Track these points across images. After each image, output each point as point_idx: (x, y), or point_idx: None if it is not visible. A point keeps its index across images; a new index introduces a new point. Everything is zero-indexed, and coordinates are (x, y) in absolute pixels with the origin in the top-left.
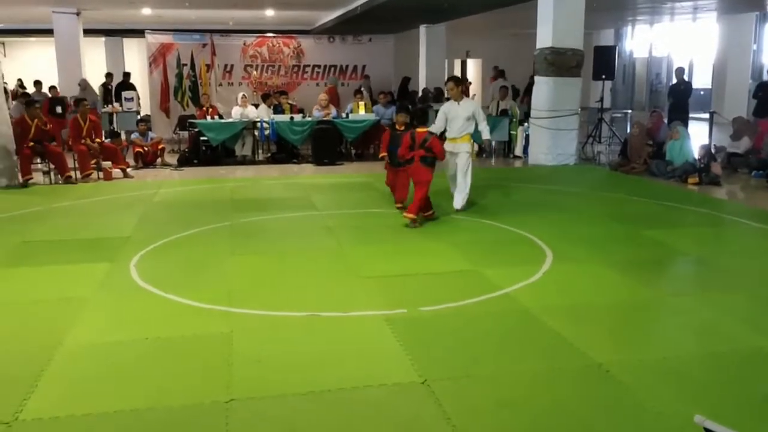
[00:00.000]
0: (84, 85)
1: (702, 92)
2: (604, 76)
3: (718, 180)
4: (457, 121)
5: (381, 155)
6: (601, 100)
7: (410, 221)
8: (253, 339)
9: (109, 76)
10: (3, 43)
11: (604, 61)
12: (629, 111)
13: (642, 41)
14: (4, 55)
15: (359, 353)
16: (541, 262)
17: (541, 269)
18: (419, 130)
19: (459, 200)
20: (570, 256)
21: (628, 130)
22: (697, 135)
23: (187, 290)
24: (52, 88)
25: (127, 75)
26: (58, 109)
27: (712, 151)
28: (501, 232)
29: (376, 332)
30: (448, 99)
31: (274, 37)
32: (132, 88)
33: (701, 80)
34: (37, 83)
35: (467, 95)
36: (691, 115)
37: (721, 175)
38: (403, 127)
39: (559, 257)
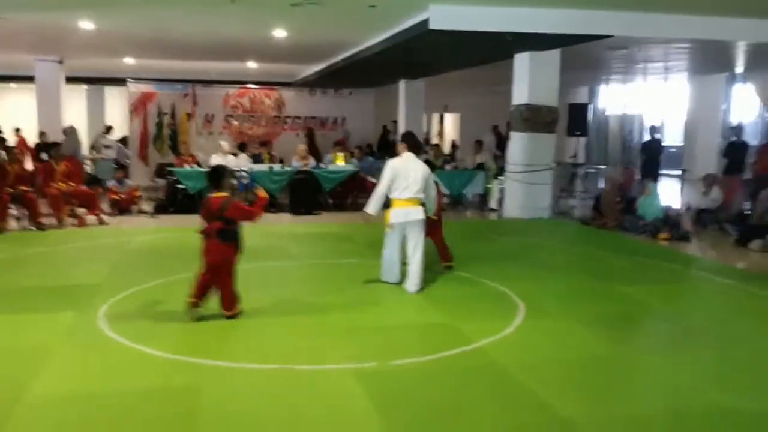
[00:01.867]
0: (68, 132)
1: (673, 149)
2: (578, 133)
3: (688, 236)
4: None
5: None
6: (575, 155)
7: (191, 307)
8: (220, 392)
9: (109, 129)
10: None
11: (578, 118)
12: (603, 167)
13: (615, 99)
14: None
15: (329, 408)
16: (513, 316)
17: (514, 323)
18: (214, 196)
19: (415, 282)
20: (542, 311)
21: (601, 185)
22: (669, 191)
23: (156, 340)
24: (41, 134)
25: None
26: (44, 156)
27: (682, 208)
28: (475, 284)
29: (347, 386)
30: (426, 152)
31: (255, 88)
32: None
33: (673, 138)
34: (42, 134)
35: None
36: (663, 172)
37: (691, 231)
38: None
39: (531, 311)
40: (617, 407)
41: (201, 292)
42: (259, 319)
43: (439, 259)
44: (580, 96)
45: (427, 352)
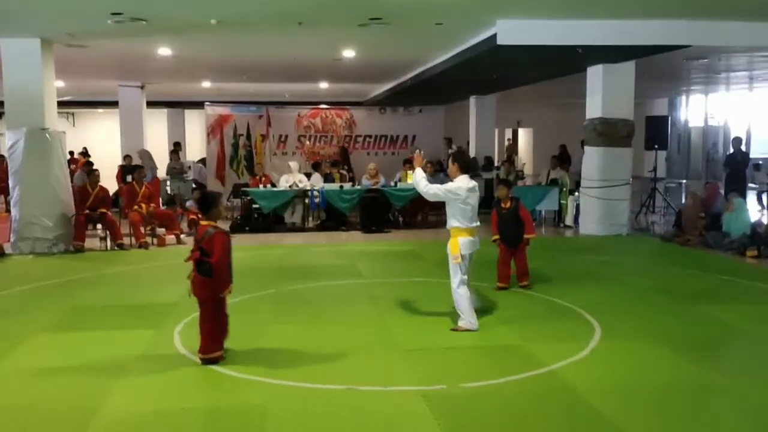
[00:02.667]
0: (142, 154)
1: (761, 162)
2: (656, 146)
3: None
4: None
5: (494, 238)
6: (654, 169)
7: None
8: (286, 412)
9: (177, 145)
10: (72, 114)
11: (656, 131)
12: (684, 181)
13: (697, 110)
14: (73, 125)
15: None
16: (589, 337)
17: (589, 345)
18: (202, 223)
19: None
20: (620, 332)
21: (683, 200)
22: (756, 206)
23: (227, 359)
24: (125, 157)
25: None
26: (128, 178)
27: None
28: (549, 304)
29: (415, 409)
30: (498, 168)
31: (327, 108)
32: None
33: (761, 149)
34: (126, 157)
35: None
36: (749, 185)
37: None
38: (509, 204)
39: (608, 333)
40: None
41: (209, 340)
42: (326, 339)
43: (517, 278)
44: (659, 108)
45: (498, 375)
